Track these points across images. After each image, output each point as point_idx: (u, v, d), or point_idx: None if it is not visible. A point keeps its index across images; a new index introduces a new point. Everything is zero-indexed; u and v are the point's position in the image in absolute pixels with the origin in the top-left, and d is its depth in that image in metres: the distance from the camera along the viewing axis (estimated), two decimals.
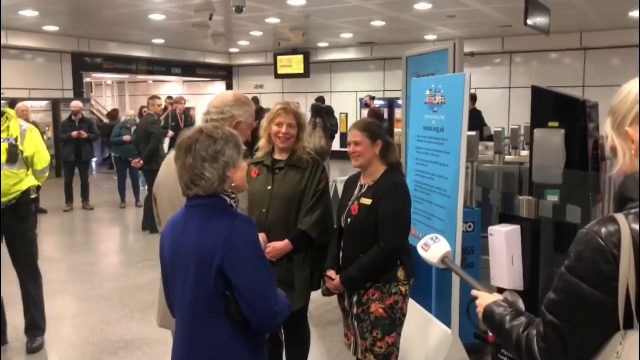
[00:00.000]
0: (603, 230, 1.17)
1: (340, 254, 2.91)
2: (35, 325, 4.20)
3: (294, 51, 16.22)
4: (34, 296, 4.20)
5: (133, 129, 9.75)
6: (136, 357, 4.12)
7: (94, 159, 13.87)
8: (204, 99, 18.25)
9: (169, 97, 11.75)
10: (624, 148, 1.21)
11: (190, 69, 17.73)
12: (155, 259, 2.27)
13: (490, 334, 1.47)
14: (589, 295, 1.17)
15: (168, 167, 2.44)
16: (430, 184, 3.43)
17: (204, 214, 1.81)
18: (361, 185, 2.90)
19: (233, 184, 1.88)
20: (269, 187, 3.03)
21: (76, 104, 9.61)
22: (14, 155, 3.96)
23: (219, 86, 19.43)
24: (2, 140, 3.93)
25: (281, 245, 2.95)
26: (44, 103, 13.39)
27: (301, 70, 16.49)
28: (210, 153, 1.80)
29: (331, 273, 2.88)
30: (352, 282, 2.80)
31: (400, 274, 2.78)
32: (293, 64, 16.46)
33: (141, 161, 8.02)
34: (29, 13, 10.36)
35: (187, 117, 10.33)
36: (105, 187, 11.79)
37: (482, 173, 5.71)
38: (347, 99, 17.24)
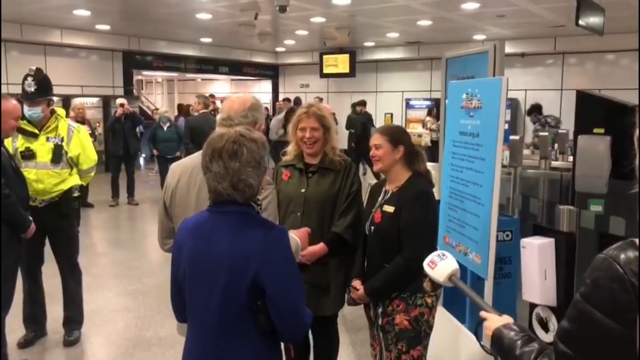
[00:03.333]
0: (622, 256, 1.07)
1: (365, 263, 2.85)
2: (72, 319, 4.31)
3: (340, 50, 16.15)
4: (73, 291, 4.31)
5: (167, 125, 9.95)
6: (168, 354, 4.16)
7: (142, 155, 14.21)
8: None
9: (212, 96, 11.92)
10: None
11: (237, 68, 17.90)
12: None
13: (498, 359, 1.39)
14: (605, 326, 1.08)
15: (190, 171, 2.43)
16: (464, 191, 3.31)
17: (237, 222, 1.78)
18: (385, 192, 2.83)
19: (262, 189, 1.87)
20: (303, 190, 3.01)
21: (119, 101, 9.87)
22: (58, 155, 4.08)
23: (265, 85, 19.57)
24: (49, 140, 4.05)
25: (317, 248, 2.93)
26: (95, 100, 13.80)
27: (347, 70, 16.40)
28: (257, 159, 1.79)
29: (356, 283, 2.83)
30: (376, 293, 2.74)
31: (427, 284, 2.70)
32: (339, 63, 16.39)
33: None
34: (82, 13, 10.66)
35: None
36: (152, 183, 12.04)
37: (526, 179, 5.52)
38: (393, 99, 17.06)
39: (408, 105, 16.57)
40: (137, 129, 10.09)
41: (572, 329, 1.14)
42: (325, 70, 16.76)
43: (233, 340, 1.76)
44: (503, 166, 5.27)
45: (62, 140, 4.08)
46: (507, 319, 1.44)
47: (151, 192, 10.98)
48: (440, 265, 1.73)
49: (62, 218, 4.16)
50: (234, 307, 1.73)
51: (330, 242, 2.96)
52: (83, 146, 4.19)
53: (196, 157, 2.54)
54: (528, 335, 1.33)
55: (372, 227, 2.80)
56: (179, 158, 8.27)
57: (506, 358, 1.35)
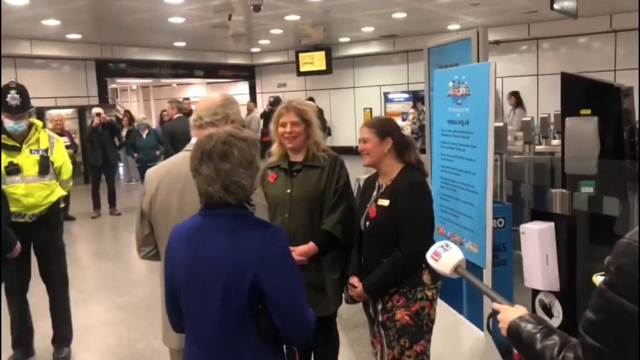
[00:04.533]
0: None
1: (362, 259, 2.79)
2: (62, 335, 4.18)
3: (315, 48, 16.09)
4: (62, 307, 4.19)
5: (145, 133, 9.82)
6: None
7: (121, 164, 13.99)
8: None
9: (186, 99, 11.79)
10: None
11: (212, 71, 17.74)
12: None
13: (515, 351, 1.32)
14: (635, 315, 1.02)
15: (169, 176, 2.34)
16: (456, 180, 3.27)
17: (232, 225, 1.71)
18: (379, 186, 2.77)
19: (255, 189, 1.80)
20: (289, 191, 2.93)
21: (95, 111, 9.70)
22: (45, 167, 3.96)
23: (242, 86, 19.41)
24: (33, 152, 3.93)
25: (305, 248, 2.86)
26: (70, 111, 13.54)
27: (323, 67, 16.35)
28: (248, 159, 1.72)
29: (354, 280, 2.76)
30: (374, 290, 2.67)
31: (426, 277, 2.64)
32: (315, 60, 16.33)
33: None
34: (52, 22, 10.45)
35: None
36: (133, 192, 11.87)
37: (512, 165, 5.51)
38: (371, 93, 17.04)
39: (387, 99, 16.56)
40: (115, 138, 9.91)
41: (599, 320, 1.08)
42: (302, 69, 16.69)
43: (235, 347, 1.69)
44: None
45: (47, 151, 3.97)
46: (521, 310, 1.38)
47: (133, 201, 10.81)
48: (444, 257, 1.67)
49: (51, 231, 4.06)
50: (234, 312, 1.66)
51: (320, 240, 2.89)
52: (63, 156, 4.10)
53: (172, 161, 2.47)
54: (547, 327, 1.27)
55: (368, 222, 2.74)
56: None
57: (526, 352, 1.28)
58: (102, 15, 10.30)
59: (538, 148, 6.35)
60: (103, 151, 9.39)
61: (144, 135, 9.82)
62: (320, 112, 16.87)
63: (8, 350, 4.09)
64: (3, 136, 3.79)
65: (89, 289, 5.89)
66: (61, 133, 8.97)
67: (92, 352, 4.40)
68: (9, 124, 3.83)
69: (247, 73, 18.95)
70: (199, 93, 20.09)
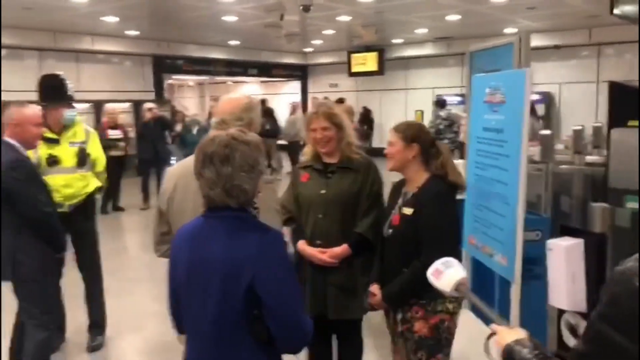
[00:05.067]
0: None
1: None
2: (96, 323, 4.30)
3: (368, 49, 16.01)
4: (97, 295, 4.31)
5: (196, 129, 9.98)
6: None
7: (174, 159, 14.31)
8: (281, 98, 18.44)
9: None
10: None
11: (266, 70, 17.92)
12: None
13: None
14: (625, 349, 0.94)
15: (186, 176, 2.35)
16: (489, 190, 3.17)
17: (232, 227, 1.70)
18: (405, 193, 2.71)
19: (259, 192, 1.78)
20: (323, 192, 2.93)
21: (147, 106, 9.96)
22: (83, 158, 4.11)
23: (294, 86, 19.54)
24: (72, 144, 4.07)
25: (339, 250, 2.86)
26: (126, 105, 13.96)
27: (375, 68, 16.25)
28: (250, 163, 1.70)
29: (374, 288, 2.72)
30: (393, 299, 2.62)
31: None
32: (367, 61, 16.25)
33: None
34: (111, 19, 10.80)
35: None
36: None
37: (559, 176, 5.29)
38: (423, 96, 16.81)
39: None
40: (167, 133, 10.15)
41: (588, 352, 1.01)
42: (354, 69, 16.64)
43: (231, 351, 1.68)
44: (534, 162, 5.06)
45: (84, 143, 4.11)
46: (520, 333, 1.31)
47: None
48: (446, 274, 1.60)
49: (87, 220, 4.22)
50: (230, 316, 1.65)
51: (354, 242, 2.88)
52: (99, 149, 4.24)
53: (190, 160, 2.47)
54: (543, 354, 1.20)
55: (390, 230, 2.69)
56: None
57: None
58: (158, 12, 10.57)
59: (589, 159, 6.08)
60: (153, 145, 9.63)
61: (194, 131, 9.99)
62: (366, 112, 16.80)
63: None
64: (44, 129, 3.92)
65: (131, 279, 6.05)
66: (114, 126, 9.27)
67: (125, 341, 4.50)
68: (69, 113, 4.00)
69: (300, 72, 19.06)
70: (252, 91, 20.35)
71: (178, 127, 11.63)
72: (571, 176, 5.64)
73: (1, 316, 3.62)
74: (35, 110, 3.41)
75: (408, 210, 2.61)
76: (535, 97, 14.67)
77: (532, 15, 11.29)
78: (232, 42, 15.03)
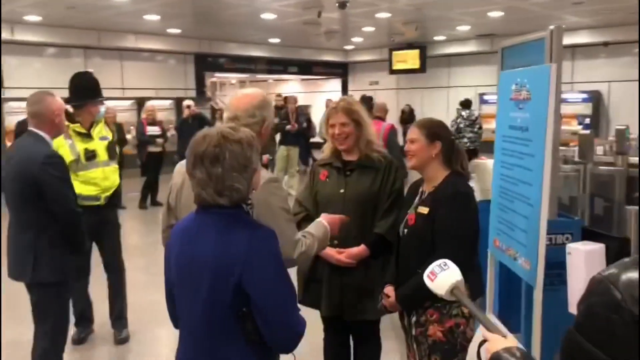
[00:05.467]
0: (623, 278, 0.87)
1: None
2: (120, 315, 4.36)
3: (409, 46, 15.82)
4: (121, 287, 4.38)
5: None
6: None
7: None
8: (322, 96, 18.41)
9: (278, 95, 11.96)
10: None
11: (306, 67, 17.94)
12: None
13: None
14: None
15: None
16: (514, 190, 3.05)
17: (223, 224, 1.67)
18: (422, 192, 2.63)
19: (253, 189, 1.75)
20: (342, 191, 2.87)
21: (186, 103, 10.09)
22: (113, 151, 4.25)
23: (334, 84, 19.49)
24: (101, 139, 4.18)
25: (357, 250, 2.80)
26: (168, 102, 14.21)
27: (417, 65, 16.03)
28: (242, 162, 1.66)
29: (388, 290, 2.64)
30: (407, 302, 2.54)
31: None
32: (408, 59, 16.05)
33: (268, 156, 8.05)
34: (152, 17, 10.99)
35: (299, 115, 10.49)
36: None
37: (597, 177, 5.08)
38: (466, 94, 16.46)
39: (482, 100, 15.95)
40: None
41: None
42: (395, 67, 16.47)
43: (221, 348, 1.65)
44: (573, 162, 4.86)
45: (107, 138, 4.25)
46: (510, 342, 1.24)
47: None
48: (440, 277, 1.53)
49: (114, 211, 4.36)
50: (219, 314, 1.62)
51: (372, 243, 2.81)
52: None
53: None
54: None
55: (406, 230, 2.61)
56: None
57: None
58: (198, 10, 10.69)
59: (632, 160, 5.82)
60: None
61: None
62: (410, 111, 16.58)
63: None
64: (76, 125, 4.01)
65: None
66: (153, 123, 9.44)
67: (149, 335, 4.55)
68: (102, 109, 4.12)
69: (340, 70, 18.99)
70: (293, 89, 20.41)
71: (218, 124, 11.75)
72: (609, 178, 5.41)
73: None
74: (60, 100, 3.32)
75: (424, 210, 2.53)
76: (583, 96, 14.21)
77: (579, 11, 10.91)
78: (272, 40, 15.10)
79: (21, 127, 7.64)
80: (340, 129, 2.85)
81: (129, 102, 13.40)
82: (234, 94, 2.51)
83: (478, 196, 4.58)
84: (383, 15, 11.25)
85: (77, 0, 9.26)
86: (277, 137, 10.02)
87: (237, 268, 1.59)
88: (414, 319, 2.57)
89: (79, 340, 4.29)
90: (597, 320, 0.89)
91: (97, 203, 4.09)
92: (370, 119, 3.07)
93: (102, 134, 4.20)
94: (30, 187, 2.96)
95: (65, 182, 3.13)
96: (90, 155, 4.07)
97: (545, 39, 3.38)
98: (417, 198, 2.65)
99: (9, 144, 9.73)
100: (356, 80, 19.07)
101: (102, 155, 4.15)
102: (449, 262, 1.57)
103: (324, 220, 2.37)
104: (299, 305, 2.96)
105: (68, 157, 3.92)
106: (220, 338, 1.64)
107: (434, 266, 1.57)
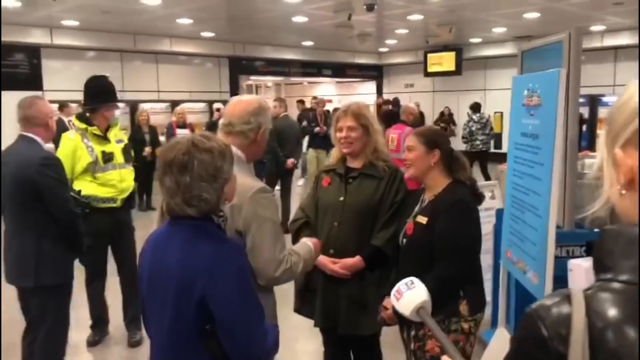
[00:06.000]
0: (553, 312, 0.78)
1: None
2: (134, 318, 4.38)
3: (444, 48, 15.56)
4: (134, 289, 4.39)
5: None
6: None
7: None
8: (357, 99, 18.30)
9: (314, 98, 11.94)
10: (611, 176, 0.81)
11: (340, 70, 17.86)
12: None
13: None
14: None
15: None
16: (525, 200, 2.93)
17: (189, 235, 1.62)
18: (422, 200, 2.54)
19: (226, 200, 1.69)
20: (342, 198, 2.79)
21: (216, 106, 10.16)
22: (128, 153, 4.29)
23: (369, 86, 19.37)
24: (117, 142, 4.23)
25: (352, 262, 2.71)
26: (202, 105, 14.36)
27: (452, 68, 15.76)
28: (211, 172, 1.60)
29: (387, 302, 2.55)
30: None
31: (463, 308, 2.37)
32: (444, 61, 15.80)
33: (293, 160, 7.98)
34: (185, 21, 11.11)
35: (328, 118, 10.43)
36: None
37: None
38: (503, 97, 16.11)
39: None
40: None
41: None
42: (430, 69, 16.23)
43: None
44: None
45: (124, 140, 4.31)
46: None
47: None
48: (406, 296, 1.44)
49: (128, 212, 4.36)
50: (183, 329, 1.58)
51: (368, 255, 2.71)
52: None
53: None
54: None
55: (404, 240, 2.53)
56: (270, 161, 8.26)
57: None
58: (229, 13, 10.75)
59: None
60: None
61: None
62: (420, 115, 16.31)
63: (87, 330, 4.38)
64: (93, 128, 4.05)
65: None
66: (183, 125, 9.54)
67: None
68: (117, 113, 4.16)
69: (375, 73, 18.85)
70: (328, 92, 20.38)
71: None
72: None
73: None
74: (49, 103, 3.37)
75: (422, 219, 2.44)
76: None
77: (620, 11, 10.51)
78: (306, 43, 15.09)
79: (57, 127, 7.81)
80: (347, 132, 2.77)
81: (164, 105, 13.59)
82: (232, 99, 2.46)
83: (500, 204, 4.44)
84: (416, 17, 11.09)
85: (111, 5, 9.43)
86: (305, 140, 9.97)
87: (200, 283, 1.54)
88: (412, 332, 2.49)
89: (94, 343, 4.33)
90: (524, 357, 0.81)
91: (114, 205, 4.12)
92: (380, 127, 2.98)
93: (117, 137, 4.24)
94: (28, 191, 2.98)
95: (62, 184, 3.15)
96: (108, 158, 4.11)
97: (563, 42, 3.25)
98: (417, 206, 2.57)
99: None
100: (391, 83, 18.90)
101: (119, 157, 4.19)
102: (415, 280, 1.49)
103: (309, 242, 2.33)
104: (298, 314, 2.92)
105: (86, 159, 3.99)
106: (185, 353, 1.60)
107: (400, 284, 1.49)
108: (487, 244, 3.85)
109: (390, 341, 3.14)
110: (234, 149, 2.23)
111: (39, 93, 11.13)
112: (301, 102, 13.71)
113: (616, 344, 0.73)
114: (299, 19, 11.00)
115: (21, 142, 3.12)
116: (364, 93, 19.31)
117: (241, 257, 1.63)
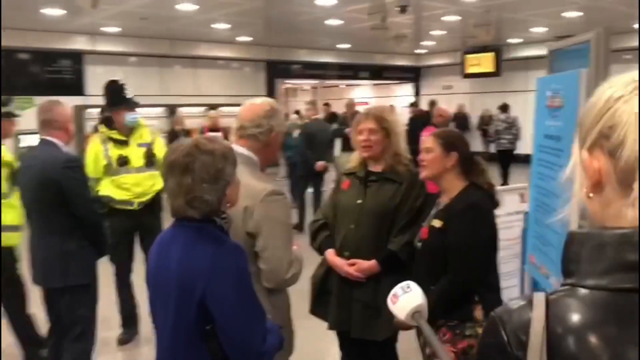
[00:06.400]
0: (515, 318, 0.76)
1: None
2: None
3: (484, 49, 15.29)
4: None
5: (296, 132, 10.05)
6: None
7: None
8: (394, 101, 18.21)
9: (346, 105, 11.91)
10: (581, 178, 0.79)
11: (377, 72, 17.80)
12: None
13: None
14: None
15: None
16: (548, 204, 2.86)
17: (190, 236, 1.65)
18: (437, 204, 2.50)
19: (228, 203, 1.71)
20: (359, 201, 2.77)
21: None
22: (151, 158, 4.30)
23: (407, 88, 19.23)
24: (140, 145, 4.30)
25: (368, 265, 2.69)
26: (238, 108, 14.52)
27: (491, 69, 15.45)
28: (212, 173, 1.63)
29: None
30: None
31: (478, 313, 2.32)
32: (482, 62, 15.52)
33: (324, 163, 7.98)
34: (222, 26, 11.28)
35: None
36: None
37: None
38: None
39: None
40: None
41: None
42: (468, 70, 15.97)
43: None
44: None
45: (151, 144, 4.33)
46: None
47: None
48: (402, 300, 1.42)
49: (155, 218, 4.39)
50: (184, 329, 1.60)
51: (384, 259, 2.68)
52: (163, 150, 4.38)
53: None
54: None
55: (419, 244, 2.50)
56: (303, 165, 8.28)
57: None
58: (264, 18, 10.86)
59: None
60: None
61: (294, 135, 10.11)
62: (464, 117, 16.05)
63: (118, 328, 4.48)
64: (113, 131, 4.15)
65: None
66: (216, 129, 9.65)
67: None
68: (130, 116, 4.21)
69: (412, 75, 18.72)
70: (365, 94, 20.34)
71: None
72: None
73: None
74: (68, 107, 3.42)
75: (437, 223, 2.41)
76: None
77: None
78: (342, 46, 15.10)
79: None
80: (368, 135, 2.75)
81: (202, 109, 13.82)
82: (244, 103, 2.48)
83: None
84: (452, 18, 10.97)
85: (149, 12, 9.66)
86: (338, 143, 9.92)
87: (200, 284, 1.56)
88: None
89: (124, 341, 4.42)
90: None
91: (131, 208, 4.20)
92: (403, 131, 2.95)
93: (142, 140, 4.29)
94: (53, 193, 3.05)
95: (86, 185, 3.23)
96: (123, 161, 4.19)
97: (591, 42, 3.15)
98: (433, 210, 2.54)
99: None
100: (429, 85, 18.73)
101: (137, 161, 4.23)
102: (412, 284, 1.47)
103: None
104: (312, 316, 2.91)
105: (101, 162, 4.12)
106: (186, 353, 1.62)
107: (397, 288, 1.47)
108: (515, 248, 3.77)
109: (405, 348, 3.09)
110: (247, 152, 2.25)
111: (82, 98, 11.48)
112: (327, 105, 13.71)
113: (575, 350, 0.70)
114: (334, 21, 11.02)
115: (41, 146, 3.20)
116: (402, 95, 19.20)
117: (241, 258, 1.64)
